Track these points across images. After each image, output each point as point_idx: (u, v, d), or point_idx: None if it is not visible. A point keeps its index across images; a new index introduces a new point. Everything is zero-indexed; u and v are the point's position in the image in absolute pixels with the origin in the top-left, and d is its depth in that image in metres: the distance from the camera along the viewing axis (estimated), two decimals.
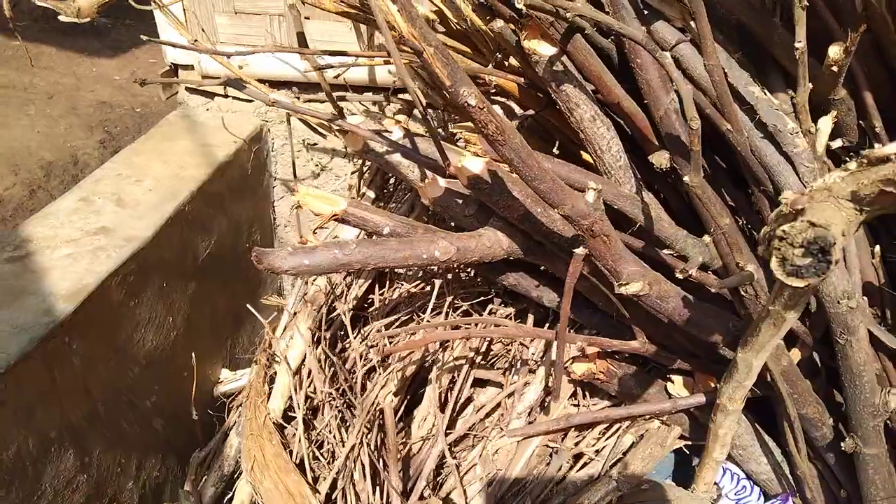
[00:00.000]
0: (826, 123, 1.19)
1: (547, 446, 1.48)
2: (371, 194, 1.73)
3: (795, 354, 1.26)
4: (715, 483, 1.47)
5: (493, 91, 1.41)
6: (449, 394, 1.56)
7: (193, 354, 1.63)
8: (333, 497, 1.30)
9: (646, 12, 1.22)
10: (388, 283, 1.67)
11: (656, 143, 1.27)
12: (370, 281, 1.66)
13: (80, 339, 1.39)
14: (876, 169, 0.67)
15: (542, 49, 1.19)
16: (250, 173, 2.15)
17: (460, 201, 1.38)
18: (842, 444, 1.19)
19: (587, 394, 1.51)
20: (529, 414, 1.49)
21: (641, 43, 1.03)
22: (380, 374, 1.38)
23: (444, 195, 1.37)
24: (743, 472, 1.44)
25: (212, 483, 1.56)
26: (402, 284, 1.64)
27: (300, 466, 1.29)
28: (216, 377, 1.98)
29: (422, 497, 1.34)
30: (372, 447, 1.33)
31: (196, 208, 1.82)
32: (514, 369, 1.57)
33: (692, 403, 1.31)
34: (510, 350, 1.60)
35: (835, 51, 1.08)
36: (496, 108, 1.52)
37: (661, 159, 1.24)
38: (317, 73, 1.46)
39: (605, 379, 1.38)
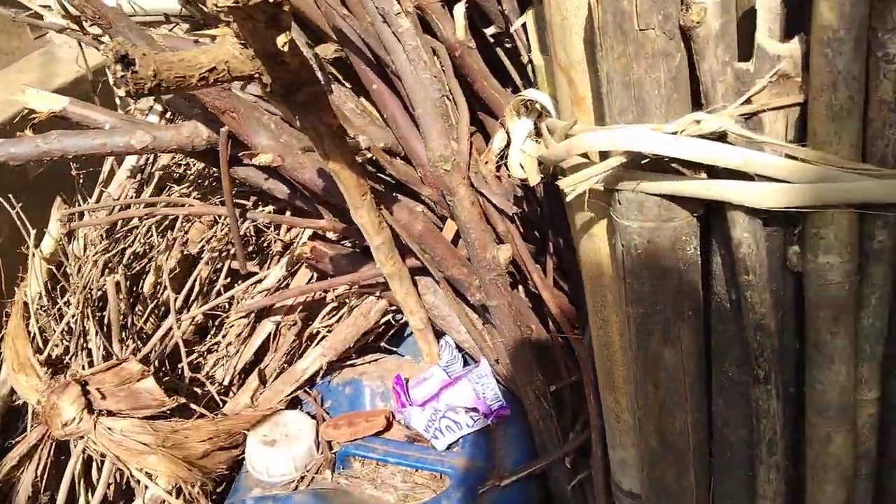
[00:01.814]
0: (459, 10, 1.30)
1: (286, 326, 1.64)
2: (158, 108, 1.89)
3: (451, 227, 1.38)
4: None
5: None
6: (210, 283, 1.74)
7: None
8: (67, 360, 1.50)
9: None
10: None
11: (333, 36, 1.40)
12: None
13: None
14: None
15: None
16: (93, 99, 2.33)
17: (187, 101, 1.53)
18: (470, 298, 1.32)
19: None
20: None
21: None
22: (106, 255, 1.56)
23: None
24: (454, 343, 1.57)
25: None
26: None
27: (33, 334, 1.49)
28: None
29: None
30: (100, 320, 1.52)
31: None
32: (269, 259, 1.73)
33: (373, 274, 1.45)
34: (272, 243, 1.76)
35: None
36: None
37: (326, 50, 1.37)
38: None
39: (316, 259, 1.52)
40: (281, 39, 0.76)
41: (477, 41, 1.35)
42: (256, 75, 0.85)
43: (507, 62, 1.38)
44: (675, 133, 0.74)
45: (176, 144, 1.42)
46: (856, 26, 0.68)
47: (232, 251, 1.70)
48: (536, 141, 1.12)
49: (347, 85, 1.50)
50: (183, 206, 1.51)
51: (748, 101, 0.75)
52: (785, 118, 0.77)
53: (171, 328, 1.54)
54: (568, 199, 0.83)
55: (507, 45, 1.36)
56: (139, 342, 1.59)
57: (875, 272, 0.77)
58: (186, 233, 1.74)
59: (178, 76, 0.77)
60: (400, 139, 1.38)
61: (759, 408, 0.87)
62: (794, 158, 0.72)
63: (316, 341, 1.62)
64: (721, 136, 0.75)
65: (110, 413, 1.36)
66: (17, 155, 1.37)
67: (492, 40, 1.38)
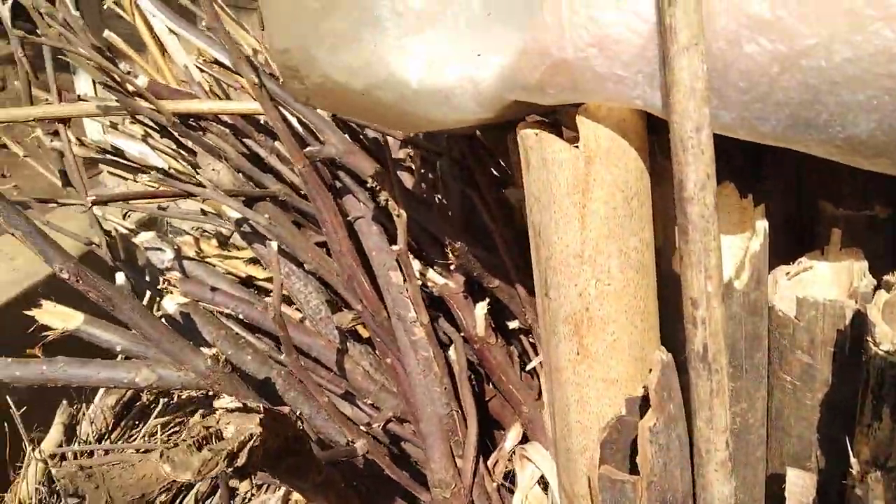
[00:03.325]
0: (480, 309, 1.23)
1: None
2: None
3: None
4: None
5: None
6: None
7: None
8: None
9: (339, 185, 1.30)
10: None
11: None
12: None
13: None
14: None
15: (231, 212, 1.31)
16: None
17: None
18: None
19: None
20: None
21: (261, 224, 1.13)
22: None
23: None
24: None
25: None
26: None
27: None
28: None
29: None
30: None
31: (54, 289, 2.02)
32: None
33: None
34: None
35: (452, 248, 1.13)
36: None
37: (343, 319, 1.32)
38: None
39: None
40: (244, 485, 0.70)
41: (498, 325, 1.29)
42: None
43: (531, 353, 1.30)
44: None
45: (181, 385, 1.37)
46: None
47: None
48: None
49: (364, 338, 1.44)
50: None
51: None
52: None
53: None
54: None
55: (532, 341, 1.29)
56: None
57: None
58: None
59: (137, 498, 0.72)
60: (409, 413, 1.31)
61: None
62: None
63: None
64: None
65: None
66: (21, 378, 1.34)
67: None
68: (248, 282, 1.68)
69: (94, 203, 1.21)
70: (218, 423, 0.77)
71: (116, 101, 1.22)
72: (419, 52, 0.68)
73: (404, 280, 1.16)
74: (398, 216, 1.05)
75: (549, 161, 0.66)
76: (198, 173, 1.54)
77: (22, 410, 1.59)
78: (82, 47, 1.15)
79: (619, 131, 0.65)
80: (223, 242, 1.86)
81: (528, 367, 1.14)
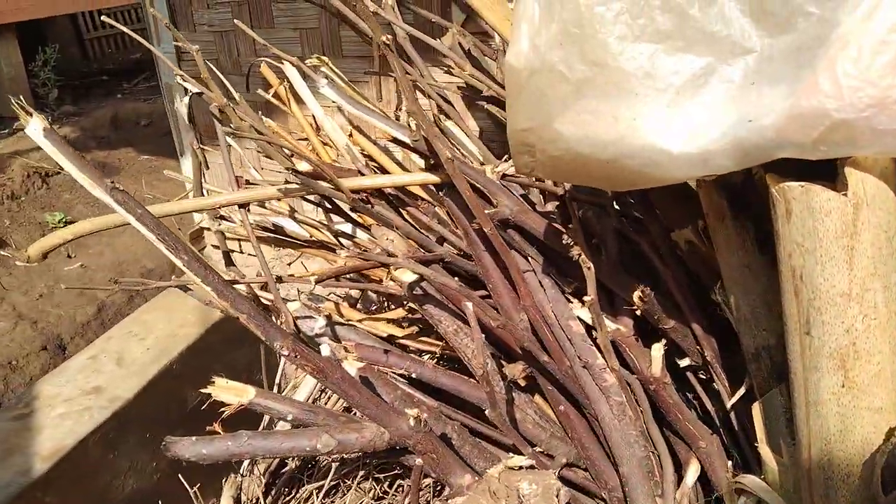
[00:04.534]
0: (657, 350, 1.28)
1: None
2: None
3: None
4: None
5: None
6: None
7: None
8: None
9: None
10: None
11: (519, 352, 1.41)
12: None
13: (54, 493, 1.67)
14: None
15: (405, 277, 1.38)
16: None
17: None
18: None
19: None
20: None
21: (453, 292, 1.20)
22: None
23: None
24: None
25: None
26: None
27: None
28: None
29: None
30: None
31: (186, 363, 2.10)
32: None
33: None
34: None
35: (642, 293, 1.19)
36: None
37: (514, 370, 1.37)
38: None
39: None
40: None
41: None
42: None
43: (699, 388, 1.34)
44: None
45: (359, 448, 1.43)
46: None
47: None
48: None
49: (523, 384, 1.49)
50: None
51: None
52: None
53: None
54: None
55: (702, 376, 1.33)
56: None
57: None
58: None
59: None
60: (585, 458, 1.35)
61: None
62: None
63: None
64: None
65: None
66: (207, 455, 1.39)
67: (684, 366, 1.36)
68: (389, 341, 1.74)
69: (318, 282, 1.29)
70: (499, 478, 0.82)
71: (289, 182, 1.31)
72: (679, 124, 0.76)
73: (588, 329, 1.22)
74: (588, 269, 1.12)
75: (817, 209, 0.72)
76: (341, 242, 1.63)
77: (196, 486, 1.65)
78: (265, 135, 1.24)
79: (882, 178, 0.71)
80: (353, 305, 1.94)
81: (730, 404, 1.18)
